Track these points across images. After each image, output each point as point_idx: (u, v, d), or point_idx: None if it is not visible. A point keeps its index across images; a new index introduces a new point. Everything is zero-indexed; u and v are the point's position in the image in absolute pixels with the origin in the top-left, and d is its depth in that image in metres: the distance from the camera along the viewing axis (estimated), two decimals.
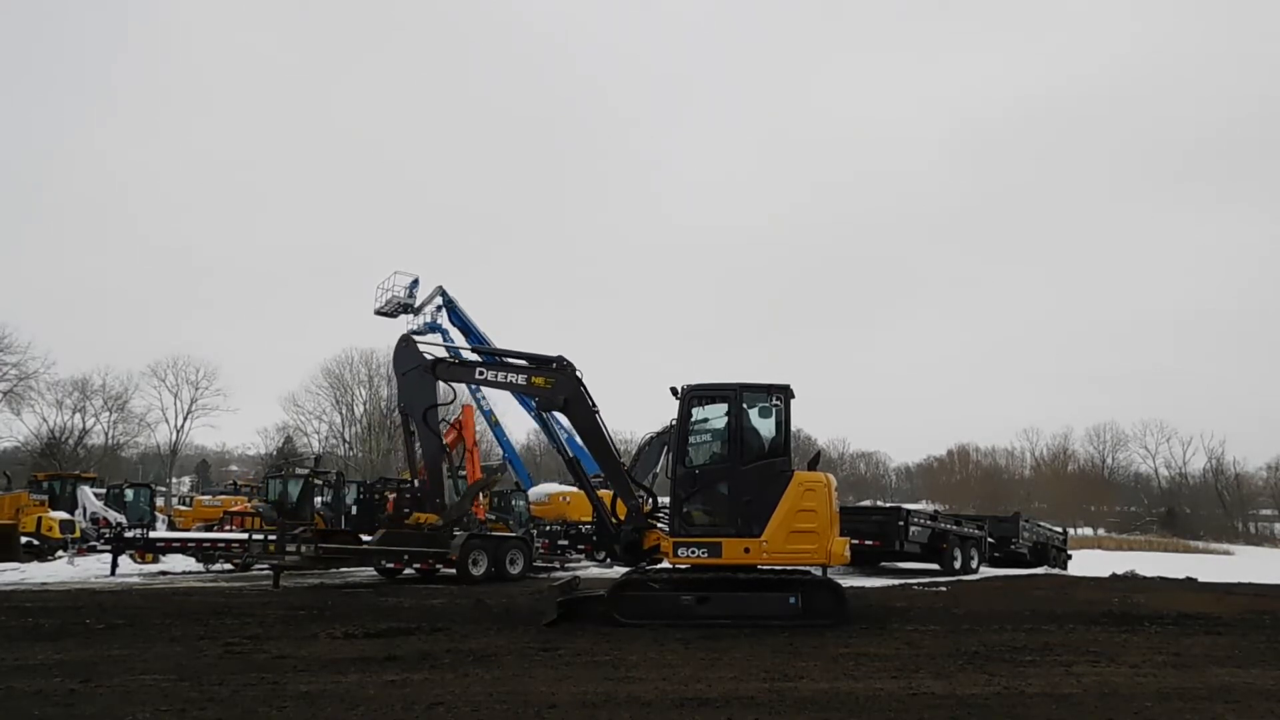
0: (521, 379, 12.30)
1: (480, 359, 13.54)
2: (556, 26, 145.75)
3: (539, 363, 12.06)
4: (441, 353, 14.47)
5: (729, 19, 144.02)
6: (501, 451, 37.55)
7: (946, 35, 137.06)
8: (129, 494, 29.06)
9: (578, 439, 12.66)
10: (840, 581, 11.27)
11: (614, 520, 11.39)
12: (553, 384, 11.83)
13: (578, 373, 11.77)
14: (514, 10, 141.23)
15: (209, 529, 25.44)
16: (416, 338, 23.81)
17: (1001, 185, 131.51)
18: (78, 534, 22.13)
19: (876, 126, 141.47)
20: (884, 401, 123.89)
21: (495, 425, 35.23)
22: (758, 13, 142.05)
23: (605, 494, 11.74)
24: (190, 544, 19.49)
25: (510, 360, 12.62)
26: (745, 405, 10.54)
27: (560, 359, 11.83)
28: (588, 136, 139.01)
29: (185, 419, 62.92)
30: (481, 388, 27.97)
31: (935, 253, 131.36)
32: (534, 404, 26.86)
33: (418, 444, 14.89)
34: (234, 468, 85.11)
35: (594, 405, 11.66)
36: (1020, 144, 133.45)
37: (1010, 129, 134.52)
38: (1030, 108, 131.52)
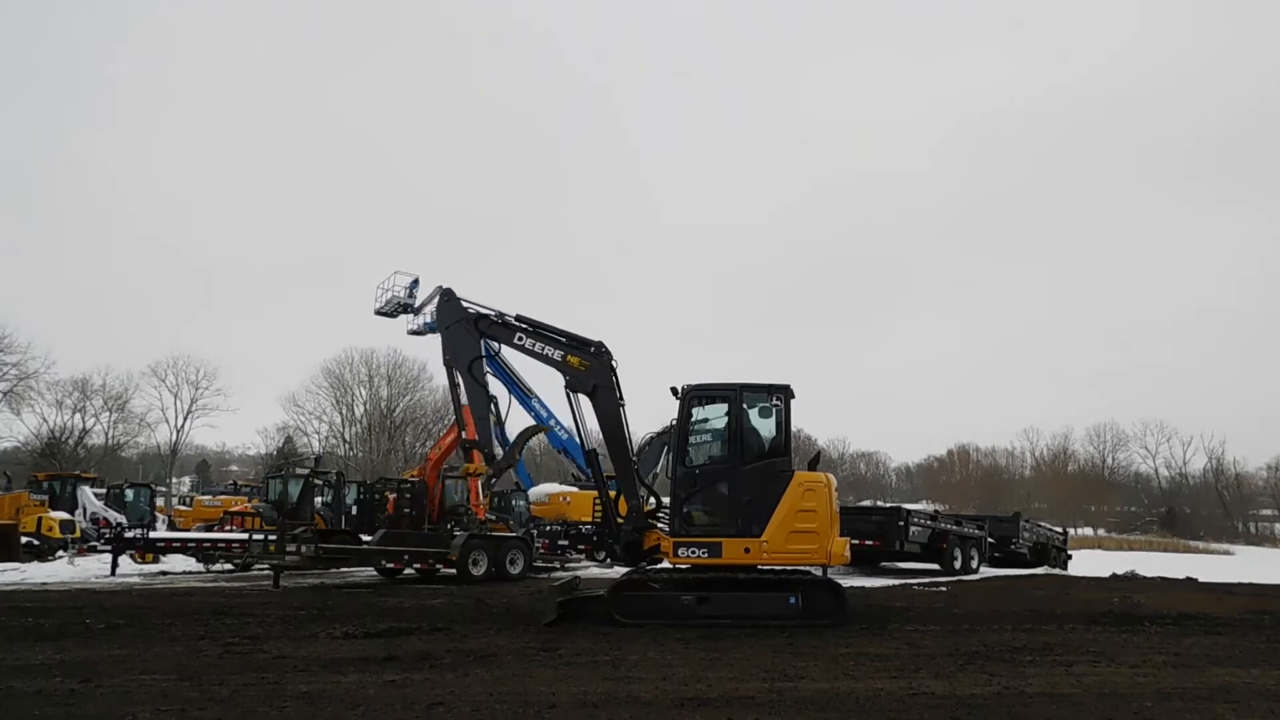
0: (557, 354, 12.16)
1: (522, 325, 13.05)
2: (556, 26, 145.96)
3: (579, 343, 12.00)
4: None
5: (728, 20, 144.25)
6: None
7: (946, 35, 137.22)
8: (129, 494, 29.05)
9: (573, 434, 12.62)
10: (840, 581, 11.26)
11: (619, 519, 11.37)
12: (587, 367, 11.73)
13: (613, 361, 11.70)
14: (514, 11, 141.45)
15: (209, 529, 25.44)
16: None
17: (1001, 185, 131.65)
18: (78, 534, 22.11)
19: (876, 126, 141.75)
20: (884, 401, 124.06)
21: (497, 425, 35.15)
22: (757, 13, 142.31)
23: (613, 493, 11.71)
24: (190, 544, 19.48)
25: (550, 334, 12.44)
26: (745, 405, 10.52)
27: (600, 344, 11.77)
28: (587, 137, 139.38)
29: (185, 419, 63.06)
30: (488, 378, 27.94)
31: (935, 253, 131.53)
32: (534, 404, 27.11)
33: (463, 397, 14.82)
34: (234, 468, 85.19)
35: (621, 398, 11.60)
36: (1020, 144, 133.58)
37: (1010, 129, 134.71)
38: (1030, 108, 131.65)
